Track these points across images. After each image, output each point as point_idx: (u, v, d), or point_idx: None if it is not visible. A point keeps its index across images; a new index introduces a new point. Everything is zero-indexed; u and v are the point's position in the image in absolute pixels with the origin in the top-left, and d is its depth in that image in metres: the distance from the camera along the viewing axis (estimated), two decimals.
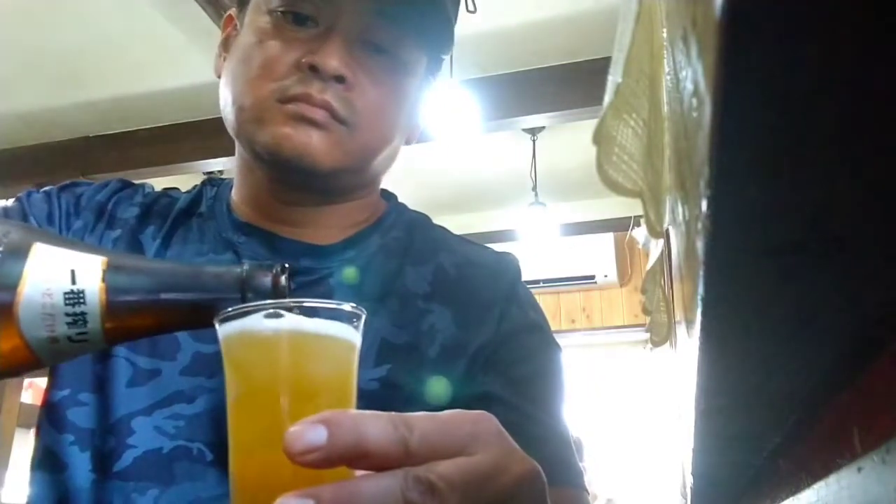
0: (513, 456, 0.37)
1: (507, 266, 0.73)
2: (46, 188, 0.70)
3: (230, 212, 0.70)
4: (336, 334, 0.38)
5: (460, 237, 0.76)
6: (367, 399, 0.61)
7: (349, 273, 0.67)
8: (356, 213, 0.71)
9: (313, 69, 0.61)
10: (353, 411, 0.34)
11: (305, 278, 0.66)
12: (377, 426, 0.31)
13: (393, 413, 0.33)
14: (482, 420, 0.36)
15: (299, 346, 0.37)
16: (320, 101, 0.61)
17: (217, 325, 0.38)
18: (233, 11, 0.71)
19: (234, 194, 0.72)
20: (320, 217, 0.69)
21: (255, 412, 0.37)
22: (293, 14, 0.63)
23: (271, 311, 0.37)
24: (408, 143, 0.73)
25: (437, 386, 0.62)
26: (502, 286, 0.70)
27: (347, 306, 0.38)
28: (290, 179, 0.66)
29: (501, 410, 0.62)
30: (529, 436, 0.62)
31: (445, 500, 0.31)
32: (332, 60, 0.61)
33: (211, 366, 0.60)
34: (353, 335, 0.39)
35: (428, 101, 0.75)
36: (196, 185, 0.75)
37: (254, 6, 0.67)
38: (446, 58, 0.74)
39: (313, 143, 0.61)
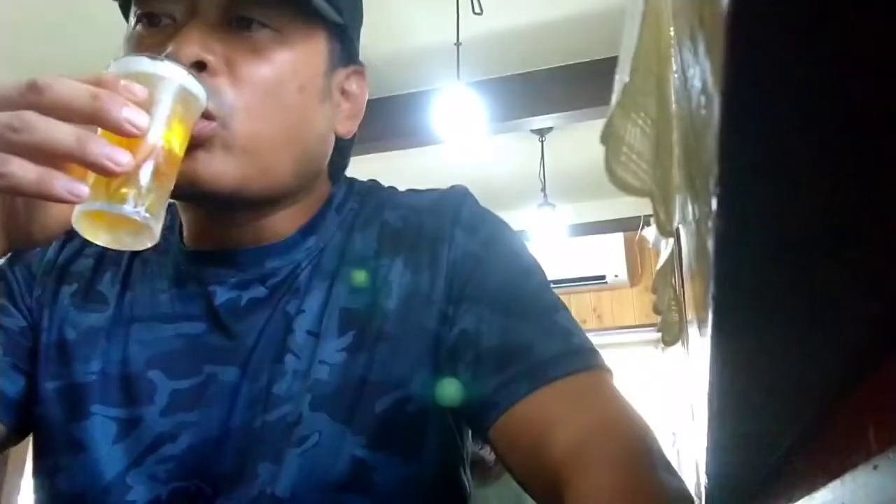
0: None
1: (450, 198, 0.69)
2: None
3: (183, 242, 0.67)
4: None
5: (408, 191, 0.72)
6: (339, 369, 0.60)
7: (315, 260, 0.65)
8: (306, 210, 0.67)
9: None
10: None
11: (275, 280, 0.64)
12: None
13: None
14: None
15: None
16: None
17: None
18: None
19: (184, 230, 0.67)
20: (271, 224, 0.65)
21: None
22: (147, 18, 0.59)
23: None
24: (344, 135, 0.67)
25: (405, 336, 0.61)
26: (446, 218, 0.66)
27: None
28: (209, 209, 0.62)
29: (484, 339, 0.59)
30: (515, 347, 0.58)
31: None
32: (187, 47, 0.54)
33: (188, 400, 0.60)
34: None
35: (364, 88, 0.69)
36: None
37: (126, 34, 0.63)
38: (358, 34, 0.68)
39: (199, 164, 0.55)
